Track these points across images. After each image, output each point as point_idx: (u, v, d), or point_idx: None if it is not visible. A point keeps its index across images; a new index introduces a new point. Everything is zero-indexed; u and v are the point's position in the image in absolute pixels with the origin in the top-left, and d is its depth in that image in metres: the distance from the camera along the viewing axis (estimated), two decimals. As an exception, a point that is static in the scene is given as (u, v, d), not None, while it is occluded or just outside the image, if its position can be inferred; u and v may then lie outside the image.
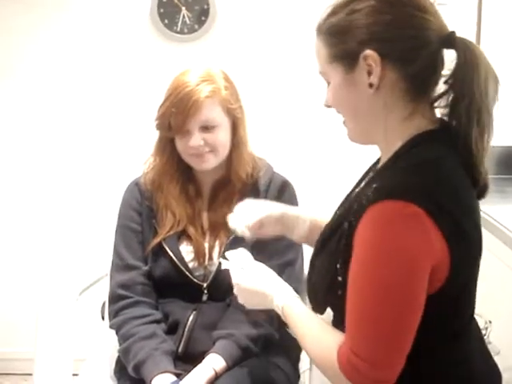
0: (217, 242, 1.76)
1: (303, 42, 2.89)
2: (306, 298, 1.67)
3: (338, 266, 1.13)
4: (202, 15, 2.82)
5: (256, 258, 1.73)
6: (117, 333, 1.72)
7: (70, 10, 2.82)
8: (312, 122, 2.95)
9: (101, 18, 2.84)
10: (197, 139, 1.69)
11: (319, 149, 2.96)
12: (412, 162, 1.11)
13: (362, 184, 1.30)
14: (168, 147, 1.77)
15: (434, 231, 1.03)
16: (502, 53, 2.91)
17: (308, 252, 1.84)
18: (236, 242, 1.71)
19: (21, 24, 2.82)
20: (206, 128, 1.69)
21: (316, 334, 1.19)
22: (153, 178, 1.80)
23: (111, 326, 1.74)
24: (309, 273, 1.27)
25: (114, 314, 1.74)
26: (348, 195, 1.36)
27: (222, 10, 2.85)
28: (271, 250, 1.74)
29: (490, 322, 1.82)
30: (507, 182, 2.77)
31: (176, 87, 1.69)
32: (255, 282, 1.37)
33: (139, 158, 1.87)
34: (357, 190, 1.31)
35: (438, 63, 1.15)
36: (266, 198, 1.76)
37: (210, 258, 1.75)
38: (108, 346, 1.88)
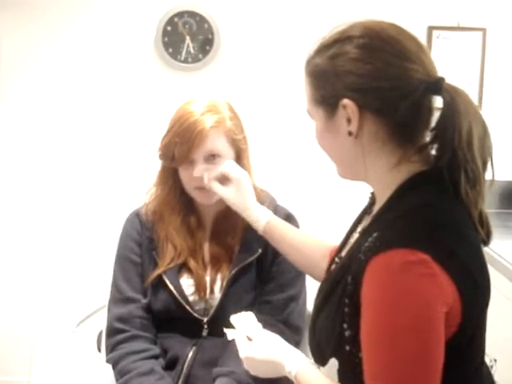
0: (219, 276, 1.73)
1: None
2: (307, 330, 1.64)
3: (345, 323, 1.08)
4: (206, 45, 2.83)
5: (262, 291, 1.71)
6: (113, 368, 1.67)
7: (75, 38, 2.83)
8: (316, 155, 2.92)
9: (105, 47, 2.84)
10: (201, 170, 1.66)
11: (323, 182, 2.94)
12: (408, 207, 1.07)
13: (359, 229, 1.26)
14: (171, 178, 1.75)
15: (443, 276, 0.99)
16: (506, 86, 2.93)
17: (310, 286, 1.83)
18: (239, 276, 1.69)
19: (23, 50, 2.83)
20: (211, 158, 1.67)
21: None
22: (154, 209, 1.78)
23: (108, 361, 1.70)
24: (311, 330, 1.22)
25: (110, 349, 1.70)
26: (344, 241, 1.33)
27: (226, 40, 2.86)
28: (276, 284, 1.72)
29: (495, 360, 1.78)
30: (510, 216, 2.76)
31: (180, 117, 1.67)
32: (264, 353, 1.31)
33: (140, 189, 1.85)
34: (354, 235, 1.27)
35: (424, 111, 1.11)
36: None
37: (212, 291, 1.72)
38: (105, 378, 1.83)
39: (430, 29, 2.88)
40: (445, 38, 2.90)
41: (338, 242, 1.41)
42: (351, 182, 2.92)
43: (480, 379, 1.17)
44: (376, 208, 1.19)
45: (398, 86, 1.08)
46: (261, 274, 1.73)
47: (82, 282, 2.70)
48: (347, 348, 1.08)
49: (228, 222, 1.76)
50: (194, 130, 1.63)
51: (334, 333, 1.11)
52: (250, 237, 1.73)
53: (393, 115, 1.08)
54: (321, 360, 1.19)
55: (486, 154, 1.10)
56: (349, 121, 1.11)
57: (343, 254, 1.26)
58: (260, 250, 1.72)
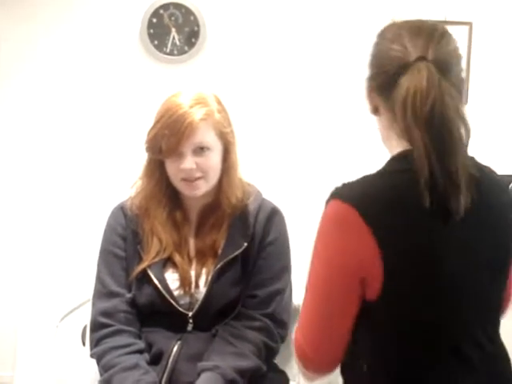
0: (204, 270, 1.72)
1: (293, 64, 2.89)
2: (294, 324, 1.66)
3: None
4: (192, 37, 2.81)
5: (247, 285, 1.70)
6: (98, 363, 1.66)
7: (60, 30, 2.80)
8: (302, 147, 2.94)
9: (89, 39, 2.82)
10: (189, 162, 1.65)
11: (308, 175, 2.95)
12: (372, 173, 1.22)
13: None
14: (157, 171, 1.73)
15: (366, 232, 1.13)
16: (492, 80, 2.94)
17: (296, 280, 1.83)
18: (224, 270, 1.68)
19: (12, 43, 2.80)
20: (199, 151, 1.66)
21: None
22: (140, 203, 1.76)
23: (92, 356, 1.68)
24: None
25: (95, 343, 1.68)
26: None
27: (212, 32, 2.84)
28: (261, 278, 1.71)
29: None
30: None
31: (168, 109, 1.65)
32: None
33: (125, 182, 1.83)
34: None
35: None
36: (254, 225, 1.73)
37: (197, 286, 1.71)
38: (89, 372, 1.82)
39: (417, 22, 2.88)
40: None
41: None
42: (335, 175, 2.93)
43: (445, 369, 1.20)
44: None
45: (393, 66, 1.24)
46: (246, 269, 1.72)
47: (66, 276, 2.68)
48: None
49: (213, 216, 1.75)
50: (183, 122, 1.61)
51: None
52: (235, 231, 1.73)
53: (385, 93, 1.24)
54: None
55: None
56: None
57: None
58: (245, 244, 1.71)
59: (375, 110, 1.30)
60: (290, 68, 2.89)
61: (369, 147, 2.92)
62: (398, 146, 1.23)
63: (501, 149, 2.90)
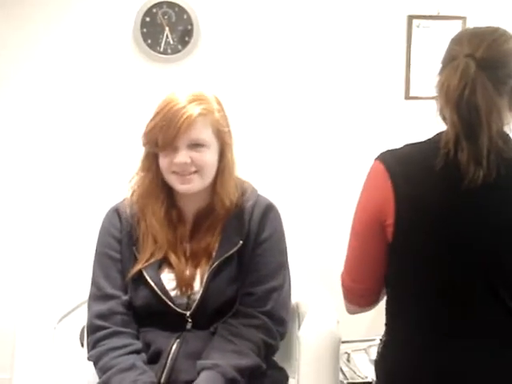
0: (198, 270, 1.71)
1: (287, 62, 2.89)
2: (294, 321, 1.71)
3: None
4: (185, 35, 2.81)
5: (244, 283, 1.70)
6: (95, 365, 1.65)
7: (53, 30, 2.80)
8: (297, 144, 2.94)
9: (82, 38, 2.81)
10: (184, 156, 1.64)
11: (305, 170, 2.95)
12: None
13: None
14: (154, 164, 1.72)
15: (386, 178, 1.42)
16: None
17: (294, 277, 1.83)
18: (220, 268, 1.68)
19: (6, 44, 2.79)
20: (195, 147, 1.65)
21: None
22: (137, 199, 1.75)
23: (89, 358, 1.68)
24: None
25: (92, 346, 1.68)
26: None
27: (205, 31, 2.83)
28: (258, 275, 1.71)
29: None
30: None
31: (167, 103, 1.64)
32: None
33: (120, 183, 1.83)
34: None
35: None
36: (249, 222, 1.73)
37: (191, 287, 1.70)
38: (88, 374, 1.82)
39: (410, 18, 2.88)
40: (425, 27, 2.90)
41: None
42: (331, 172, 2.93)
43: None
44: None
45: None
46: (242, 266, 1.72)
47: (64, 277, 2.67)
48: None
49: (208, 219, 1.75)
50: (181, 116, 1.61)
51: None
52: (231, 229, 1.72)
53: None
54: None
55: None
56: None
57: None
58: (241, 242, 1.71)
59: None
60: (284, 66, 2.89)
61: (363, 143, 2.93)
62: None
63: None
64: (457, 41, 1.43)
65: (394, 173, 1.41)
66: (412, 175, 1.40)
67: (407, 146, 1.47)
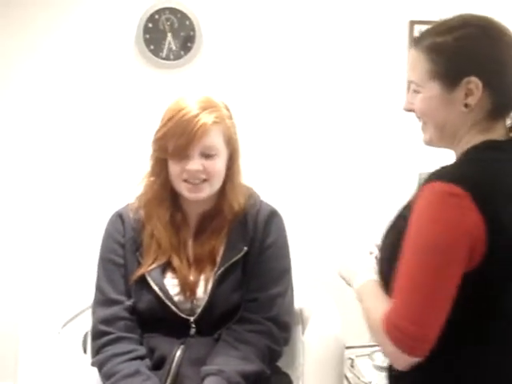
0: (202, 276, 1.71)
1: (289, 67, 2.89)
2: (297, 327, 1.67)
3: (400, 237, 1.27)
4: (187, 41, 2.81)
5: (248, 289, 1.70)
6: (99, 371, 1.65)
7: (56, 35, 2.80)
8: (300, 149, 2.94)
9: (85, 44, 2.81)
10: (196, 164, 1.64)
11: (308, 176, 2.95)
12: (472, 158, 1.28)
13: None
14: (164, 170, 1.71)
15: (474, 211, 1.18)
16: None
17: (297, 282, 1.83)
18: (225, 275, 1.68)
19: (8, 49, 2.79)
20: (207, 155, 1.66)
21: (373, 304, 1.32)
22: (144, 203, 1.76)
23: (93, 364, 1.67)
24: (380, 251, 1.43)
25: (96, 351, 1.68)
26: None
27: (207, 37, 2.84)
28: (262, 281, 1.71)
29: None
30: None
31: (179, 110, 1.64)
32: (360, 260, 1.49)
33: (123, 188, 1.83)
34: None
35: None
36: (254, 228, 1.73)
37: (195, 292, 1.70)
38: (92, 379, 1.81)
39: (412, 23, 2.88)
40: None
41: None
42: (334, 177, 2.93)
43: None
44: None
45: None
46: (247, 273, 1.72)
47: (68, 282, 2.67)
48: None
49: (213, 222, 1.75)
50: (195, 124, 1.61)
51: (391, 251, 1.30)
52: (235, 236, 1.73)
53: (504, 95, 1.30)
54: (384, 283, 1.36)
55: None
56: (466, 95, 1.28)
57: None
58: (245, 249, 1.71)
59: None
60: (287, 71, 2.89)
61: (366, 150, 2.94)
62: (482, 138, 1.31)
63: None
64: None
65: (481, 198, 1.20)
66: (500, 201, 1.23)
67: (465, 164, 1.29)
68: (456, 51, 1.28)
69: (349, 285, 1.49)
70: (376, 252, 1.52)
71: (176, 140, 1.62)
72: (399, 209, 1.39)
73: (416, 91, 1.35)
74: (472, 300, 1.23)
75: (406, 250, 1.23)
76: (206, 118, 1.62)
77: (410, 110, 1.39)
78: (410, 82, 1.38)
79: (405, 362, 1.23)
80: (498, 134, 1.32)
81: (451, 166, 1.29)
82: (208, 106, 1.65)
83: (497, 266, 1.22)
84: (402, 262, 1.24)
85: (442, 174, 1.24)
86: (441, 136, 1.36)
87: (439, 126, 1.34)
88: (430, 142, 1.39)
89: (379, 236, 1.44)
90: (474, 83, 1.26)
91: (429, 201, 1.22)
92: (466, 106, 1.29)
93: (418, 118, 1.38)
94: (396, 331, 1.20)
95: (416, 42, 1.35)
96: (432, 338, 1.20)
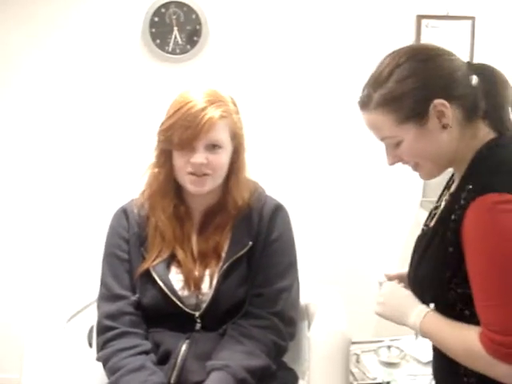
0: (207, 271, 1.71)
1: (295, 61, 2.88)
2: (303, 322, 1.65)
3: (446, 264, 1.29)
4: (194, 35, 2.80)
5: (253, 283, 1.69)
6: (104, 366, 1.65)
7: (61, 29, 2.79)
8: (306, 143, 2.93)
9: (91, 38, 2.81)
10: (201, 157, 1.64)
11: (313, 170, 2.94)
12: (493, 163, 1.30)
13: (444, 198, 1.47)
14: (168, 162, 1.71)
15: None
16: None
17: (304, 278, 1.82)
18: (230, 270, 1.67)
19: (13, 43, 2.79)
20: (212, 148, 1.65)
21: (455, 333, 1.30)
22: (150, 194, 1.75)
23: (98, 359, 1.67)
24: (411, 281, 1.44)
25: (101, 346, 1.67)
26: (433, 209, 1.51)
27: (214, 30, 2.83)
28: (267, 276, 1.70)
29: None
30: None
31: (186, 102, 1.63)
32: (401, 295, 1.46)
33: (129, 183, 1.82)
34: (440, 205, 1.47)
35: (478, 88, 1.36)
36: (258, 223, 1.72)
37: (200, 287, 1.69)
38: (97, 373, 1.81)
39: (419, 18, 2.87)
40: (434, 27, 2.89)
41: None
42: (340, 172, 2.92)
43: None
44: (457, 177, 1.40)
45: (462, 72, 1.34)
46: (252, 267, 1.71)
47: (73, 277, 2.67)
48: (450, 285, 1.30)
49: (217, 217, 1.75)
50: (202, 118, 1.60)
51: (435, 272, 1.32)
52: (240, 231, 1.72)
53: (466, 97, 1.33)
54: (422, 301, 1.39)
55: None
56: (439, 118, 1.31)
57: (432, 223, 1.45)
58: (250, 243, 1.71)
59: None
60: (292, 65, 2.88)
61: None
62: (476, 142, 1.35)
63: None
64: (454, 54, 1.38)
65: None
66: None
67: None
68: (406, 90, 1.31)
69: (401, 323, 1.44)
70: (383, 280, 1.56)
71: (182, 132, 1.61)
72: (422, 234, 1.43)
73: (395, 144, 1.37)
74: None
75: (483, 269, 1.23)
76: (213, 112, 1.62)
77: (396, 163, 1.42)
78: (382, 140, 1.41)
79: None
80: (485, 132, 1.36)
81: (478, 178, 1.29)
82: (215, 100, 1.65)
83: None
84: (480, 281, 1.24)
85: (481, 188, 1.24)
86: (439, 164, 1.39)
87: (435, 158, 1.37)
88: (429, 177, 1.43)
89: (385, 266, 1.43)
90: (440, 104, 1.30)
91: (490, 216, 1.22)
92: (444, 127, 1.32)
93: (406, 163, 1.41)
94: (502, 348, 1.20)
95: (363, 104, 1.40)
96: None
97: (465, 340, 1.27)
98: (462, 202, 1.27)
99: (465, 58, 1.41)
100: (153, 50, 2.80)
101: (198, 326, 1.69)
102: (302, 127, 2.92)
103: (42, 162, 2.87)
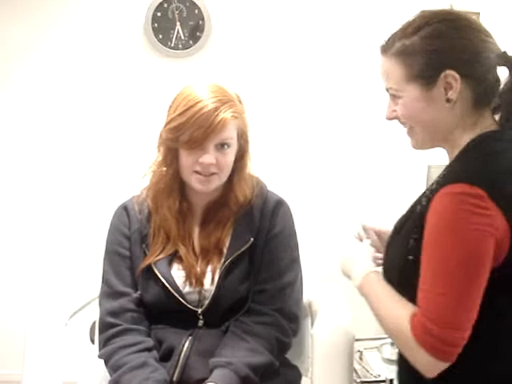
0: (209, 267, 1.70)
1: (298, 57, 2.87)
2: (307, 319, 1.62)
3: (409, 245, 1.27)
4: (196, 30, 2.79)
5: (256, 280, 1.69)
6: (106, 363, 1.64)
7: (63, 24, 2.79)
8: (308, 139, 2.92)
9: (93, 33, 2.80)
10: (211, 157, 1.62)
11: (315, 165, 2.93)
12: (478, 154, 1.27)
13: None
14: (175, 160, 1.69)
15: (495, 210, 1.17)
16: (500, 70, 2.90)
17: (307, 275, 1.81)
18: (232, 266, 1.67)
19: (14, 38, 2.78)
20: (221, 147, 1.64)
21: (390, 305, 1.29)
22: (155, 193, 1.74)
23: (100, 356, 1.67)
24: (384, 257, 1.42)
25: (103, 343, 1.67)
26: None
27: (216, 26, 2.82)
28: (269, 272, 1.70)
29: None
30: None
31: (196, 101, 1.60)
32: (356, 250, 1.49)
33: (131, 180, 1.82)
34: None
35: (498, 78, 1.32)
36: (260, 218, 1.72)
37: (202, 283, 1.69)
38: (99, 370, 1.81)
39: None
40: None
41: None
42: (340, 166, 2.91)
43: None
44: (449, 160, 1.36)
45: (491, 57, 1.29)
46: (254, 264, 1.71)
47: (75, 273, 2.67)
48: (410, 271, 1.26)
49: (219, 213, 1.74)
50: (215, 119, 1.59)
51: (401, 256, 1.30)
52: (241, 227, 1.71)
53: (484, 82, 1.29)
54: (392, 286, 1.34)
55: None
56: (446, 89, 1.28)
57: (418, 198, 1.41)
58: (252, 239, 1.70)
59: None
60: (295, 61, 2.87)
61: (374, 140, 2.91)
62: (476, 129, 1.31)
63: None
64: (488, 33, 1.32)
65: (502, 200, 1.19)
66: None
67: (486, 160, 1.26)
68: (426, 49, 1.28)
69: (349, 277, 1.46)
70: (362, 234, 1.58)
71: (193, 132, 1.59)
72: (404, 213, 1.37)
73: (396, 97, 1.34)
74: (490, 297, 1.21)
75: (433, 256, 1.21)
76: (225, 113, 1.60)
77: (393, 118, 1.38)
78: (387, 90, 1.37)
79: (438, 369, 1.21)
80: (487, 124, 1.32)
81: (459, 165, 1.28)
82: (226, 100, 1.63)
83: None
84: (428, 267, 1.21)
85: (456, 176, 1.22)
86: (432, 137, 1.35)
87: (428, 127, 1.33)
88: (419, 146, 1.39)
89: (362, 216, 1.43)
90: (452, 76, 1.26)
91: (452, 206, 1.19)
92: (449, 100, 1.28)
93: (403, 123, 1.38)
94: (432, 338, 1.17)
95: (384, 48, 1.35)
96: (463, 339, 1.18)
97: (397, 315, 1.25)
98: (434, 185, 1.25)
99: (509, 43, 1.41)
100: (155, 45, 2.80)
101: (201, 322, 1.68)
102: (305, 122, 2.91)
103: (43, 158, 2.86)
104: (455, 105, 1.29)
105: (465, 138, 1.31)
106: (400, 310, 1.25)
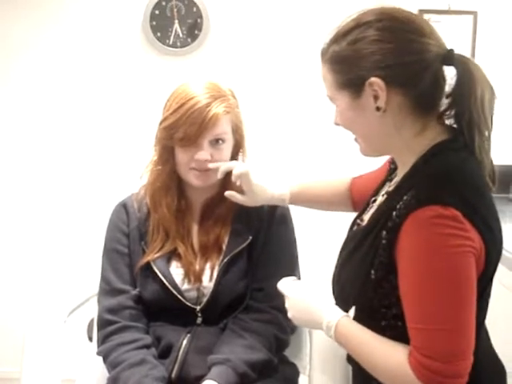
0: (208, 265, 1.70)
1: (297, 53, 2.88)
2: None
3: (373, 270, 1.20)
4: (194, 29, 2.80)
5: (254, 277, 1.69)
6: (105, 360, 1.65)
7: (62, 22, 2.79)
8: (306, 137, 2.93)
9: (91, 31, 2.80)
10: (205, 153, 1.63)
11: (313, 164, 2.94)
12: (438, 169, 1.19)
13: (382, 193, 1.38)
14: (171, 158, 1.70)
15: (471, 229, 1.12)
16: (496, 68, 2.92)
17: (305, 272, 1.82)
18: (231, 264, 1.67)
19: (13, 35, 2.78)
20: (216, 143, 1.65)
21: (382, 352, 1.21)
22: (153, 191, 1.74)
23: (99, 353, 1.67)
24: (335, 281, 1.36)
25: (101, 341, 1.67)
26: (364, 207, 1.43)
27: (215, 24, 2.82)
28: (268, 270, 1.71)
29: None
30: (503, 200, 2.76)
31: (188, 98, 1.61)
32: (307, 297, 1.38)
33: (129, 177, 1.82)
34: (378, 198, 1.38)
35: (440, 80, 1.22)
36: (259, 216, 1.73)
37: (201, 280, 1.69)
38: (98, 367, 1.81)
39: (421, 12, 2.86)
40: (435, 22, 2.87)
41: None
42: (338, 165, 2.92)
43: (482, 334, 1.27)
44: (400, 174, 1.30)
45: (420, 59, 1.18)
46: (252, 261, 1.71)
47: (73, 270, 2.67)
48: (370, 294, 1.21)
49: (217, 210, 1.74)
50: (207, 114, 1.59)
51: (359, 279, 1.23)
52: (240, 224, 1.72)
53: (416, 87, 1.19)
54: (343, 306, 1.31)
55: (492, 113, 1.24)
56: (375, 97, 1.20)
57: (366, 216, 1.37)
58: (250, 237, 1.71)
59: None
60: (293, 59, 2.88)
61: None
62: (425, 139, 1.25)
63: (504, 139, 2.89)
64: (424, 31, 1.21)
65: (475, 218, 1.13)
66: (488, 214, 1.18)
67: (455, 176, 1.17)
68: (351, 56, 1.20)
69: (314, 328, 1.37)
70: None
71: (186, 129, 1.60)
72: (358, 233, 1.31)
73: (336, 104, 1.29)
74: None
75: (419, 291, 1.14)
76: (218, 108, 1.61)
77: (337, 124, 1.32)
78: (327, 96, 1.32)
79: None
80: (438, 130, 1.24)
81: (422, 183, 1.17)
82: (218, 95, 1.63)
83: (488, 271, 1.19)
84: (414, 302, 1.15)
85: (424, 198, 1.13)
86: (372, 146, 1.29)
87: (364, 136, 1.28)
88: (365, 153, 1.32)
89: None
90: (376, 84, 1.18)
91: (429, 234, 1.11)
92: (378, 109, 1.20)
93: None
94: (438, 376, 1.11)
95: (322, 53, 1.28)
96: (469, 365, 1.13)
97: (392, 361, 1.17)
98: (403, 209, 1.15)
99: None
100: (153, 43, 2.80)
101: (199, 320, 1.68)
102: (302, 120, 2.91)
103: (42, 156, 2.86)
104: (386, 113, 1.20)
105: (413, 148, 1.23)
106: (395, 355, 1.18)
